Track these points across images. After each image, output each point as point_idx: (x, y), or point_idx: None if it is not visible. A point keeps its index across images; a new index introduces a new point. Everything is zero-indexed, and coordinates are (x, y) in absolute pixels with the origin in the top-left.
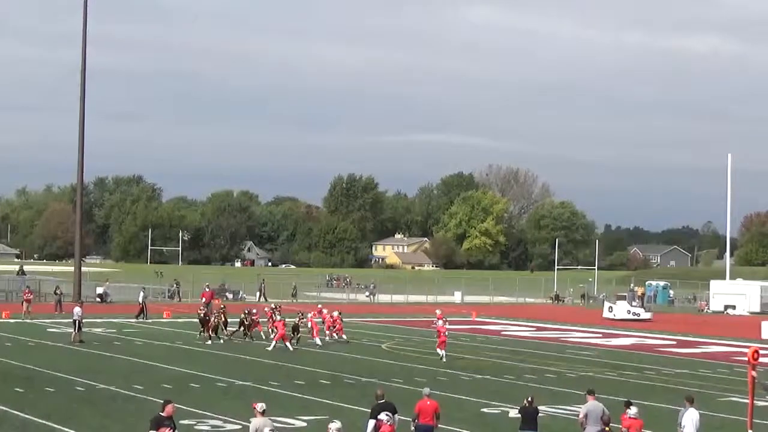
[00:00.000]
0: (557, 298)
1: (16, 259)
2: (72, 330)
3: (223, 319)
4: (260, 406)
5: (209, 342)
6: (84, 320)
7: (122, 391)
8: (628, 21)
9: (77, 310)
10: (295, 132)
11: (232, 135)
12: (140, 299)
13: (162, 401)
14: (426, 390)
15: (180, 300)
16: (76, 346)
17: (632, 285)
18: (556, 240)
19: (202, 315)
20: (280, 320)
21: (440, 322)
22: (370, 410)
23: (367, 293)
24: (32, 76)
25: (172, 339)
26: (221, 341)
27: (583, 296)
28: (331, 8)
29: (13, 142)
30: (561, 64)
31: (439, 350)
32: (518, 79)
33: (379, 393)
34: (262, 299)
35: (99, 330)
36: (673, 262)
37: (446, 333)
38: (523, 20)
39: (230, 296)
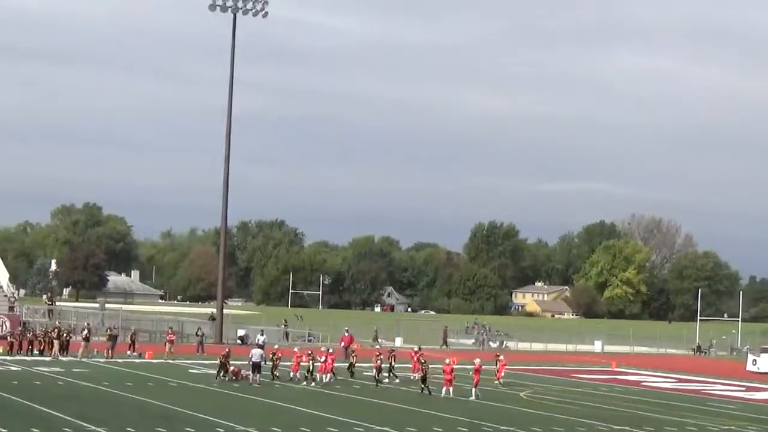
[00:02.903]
0: (699, 349)
1: (160, 300)
2: (249, 372)
3: (393, 362)
4: None
5: (313, 384)
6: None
7: None
8: None
9: (256, 351)
10: (437, 178)
11: (373, 179)
12: (259, 341)
13: None
14: None
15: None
16: (217, 386)
17: None
18: (699, 290)
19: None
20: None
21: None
22: None
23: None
24: (179, 118)
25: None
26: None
27: (710, 346)
28: (474, 53)
29: (160, 185)
30: (707, 111)
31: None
32: (663, 126)
33: None
34: (444, 346)
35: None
36: None
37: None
38: (668, 66)
39: (494, 345)
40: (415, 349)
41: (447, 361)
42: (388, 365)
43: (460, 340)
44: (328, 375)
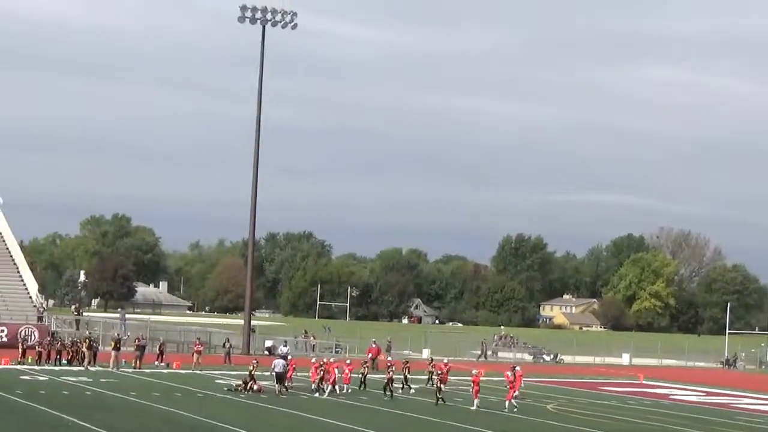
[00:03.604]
0: (728, 362)
1: (188, 311)
2: (273, 383)
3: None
4: None
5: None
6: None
7: None
8: None
9: (279, 362)
10: (465, 190)
11: (401, 192)
12: (282, 352)
13: None
14: None
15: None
16: (244, 397)
17: None
18: (728, 304)
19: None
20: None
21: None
22: None
23: (479, 352)
24: (208, 130)
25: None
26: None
27: (735, 358)
28: (502, 64)
29: (188, 197)
30: (737, 124)
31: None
32: (692, 139)
33: None
34: (483, 358)
35: (265, 383)
36: None
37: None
38: (696, 77)
39: (548, 358)
40: (444, 361)
41: (474, 372)
42: (402, 376)
43: (487, 352)
44: (346, 386)
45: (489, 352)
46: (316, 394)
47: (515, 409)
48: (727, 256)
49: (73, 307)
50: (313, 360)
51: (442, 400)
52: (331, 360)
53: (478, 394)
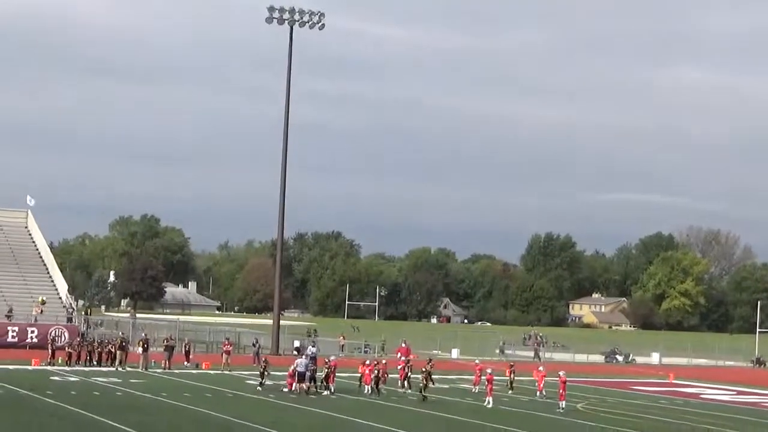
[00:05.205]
0: (759, 361)
1: (216, 311)
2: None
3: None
4: None
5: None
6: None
7: None
8: None
9: (302, 361)
10: (493, 189)
11: (430, 191)
12: (311, 353)
13: None
14: None
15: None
16: (273, 398)
17: None
18: (758, 302)
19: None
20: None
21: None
22: None
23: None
24: (236, 130)
25: (361, 393)
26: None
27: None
28: (532, 64)
29: (217, 197)
30: (764, 121)
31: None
32: (721, 137)
33: None
34: (536, 359)
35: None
36: None
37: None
38: (727, 77)
39: (620, 359)
40: (476, 361)
41: (489, 370)
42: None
43: (517, 352)
44: (366, 387)
45: (531, 353)
46: (326, 392)
47: (562, 411)
48: (757, 254)
49: (101, 308)
50: (331, 358)
51: (424, 397)
52: (332, 358)
53: (492, 392)
